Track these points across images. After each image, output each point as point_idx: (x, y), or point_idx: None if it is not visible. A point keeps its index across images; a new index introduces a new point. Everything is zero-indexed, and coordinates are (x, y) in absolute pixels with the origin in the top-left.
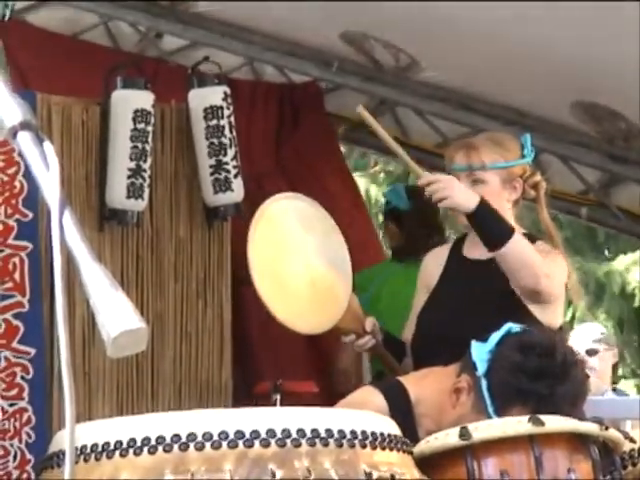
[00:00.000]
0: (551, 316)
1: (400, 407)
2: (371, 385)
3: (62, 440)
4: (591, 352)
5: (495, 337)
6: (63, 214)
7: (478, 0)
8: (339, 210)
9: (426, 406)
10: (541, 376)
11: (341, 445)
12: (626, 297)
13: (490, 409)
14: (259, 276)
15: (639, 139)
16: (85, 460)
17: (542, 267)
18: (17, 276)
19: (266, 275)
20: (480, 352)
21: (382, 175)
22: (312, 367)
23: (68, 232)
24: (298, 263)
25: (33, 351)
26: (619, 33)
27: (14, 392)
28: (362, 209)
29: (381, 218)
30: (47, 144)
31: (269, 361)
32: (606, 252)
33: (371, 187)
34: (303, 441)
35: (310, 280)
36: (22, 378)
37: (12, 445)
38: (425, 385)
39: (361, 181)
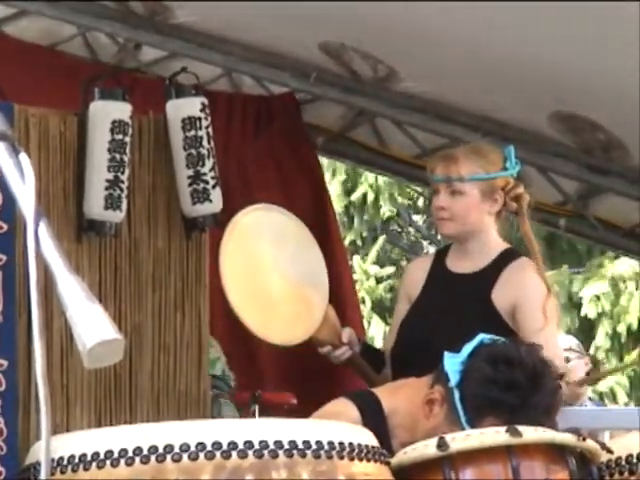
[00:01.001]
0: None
1: (373, 419)
2: (345, 397)
3: (38, 451)
4: (578, 354)
5: (467, 349)
6: (39, 226)
7: None
8: (308, 224)
9: (400, 417)
10: (512, 387)
11: (319, 456)
12: (574, 306)
13: (463, 420)
14: (231, 288)
15: (618, 150)
16: (62, 472)
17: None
18: None
19: (238, 287)
20: (452, 363)
21: None
22: (290, 378)
23: (44, 244)
24: (271, 275)
25: (5, 363)
26: (598, 45)
27: None
28: (334, 225)
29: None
30: (23, 155)
31: (248, 372)
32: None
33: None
34: (281, 452)
35: (284, 292)
36: None
37: None
38: (399, 396)
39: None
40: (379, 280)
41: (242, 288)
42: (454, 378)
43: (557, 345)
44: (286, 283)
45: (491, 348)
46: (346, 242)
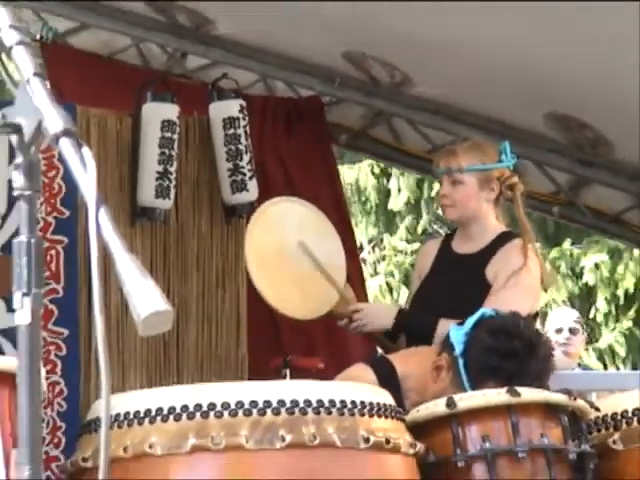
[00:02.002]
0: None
1: (388, 382)
2: (363, 362)
3: (98, 409)
4: (574, 330)
5: (470, 321)
6: (99, 211)
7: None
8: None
9: (411, 381)
10: (510, 355)
11: (343, 414)
12: (576, 275)
13: (466, 384)
14: (255, 269)
15: (605, 146)
16: (119, 427)
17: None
18: (53, 266)
19: (262, 268)
20: (457, 334)
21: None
22: (319, 345)
23: (104, 227)
24: (294, 258)
25: (66, 332)
26: (588, 52)
27: (48, 367)
28: (345, 215)
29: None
30: (85, 149)
31: (280, 339)
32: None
33: (360, 178)
34: (309, 410)
35: (306, 273)
36: (56, 355)
37: (45, 414)
38: (410, 363)
39: (351, 173)
40: (408, 254)
41: (266, 269)
42: (459, 347)
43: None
44: (307, 265)
45: (492, 320)
46: (380, 222)
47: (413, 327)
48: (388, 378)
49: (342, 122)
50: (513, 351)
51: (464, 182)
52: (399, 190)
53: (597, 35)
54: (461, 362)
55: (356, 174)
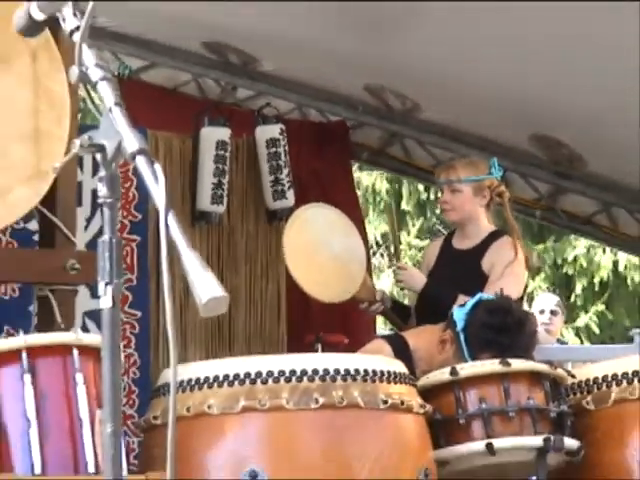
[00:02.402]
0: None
1: (402, 354)
2: (381, 338)
3: (166, 376)
4: (554, 312)
5: (470, 303)
6: (168, 215)
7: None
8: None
9: (421, 353)
10: (503, 331)
11: (365, 380)
12: (557, 267)
13: (467, 355)
14: (292, 261)
15: (578, 161)
16: (182, 391)
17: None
18: (128, 260)
19: (298, 260)
20: (459, 314)
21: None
22: (347, 325)
23: (171, 228)
24: (324, 252)
25: (139, 314)
26: (565, 84)
27: (125, 342)
28: (360, 216)
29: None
30: (156, 165)
31: (313, 320)
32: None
33: (376, 182)
34: (338, 377)
35: (333, 265)
36: (130, 332)
37: (123, 380)
38: (420, 338)
39: (369, 178)
40: (419, 250)
41: (301, 262)
42: (460, 324)
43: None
44: (335, 257)
45: (487, 302)
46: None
47: (436, 295)
48: (402, 351)
49: (363, 142)
50: (505, 327)
51: (461, 190)
52: (410, 194)
53: (573, 70)
54: (462, 337)
55: (373, 179)
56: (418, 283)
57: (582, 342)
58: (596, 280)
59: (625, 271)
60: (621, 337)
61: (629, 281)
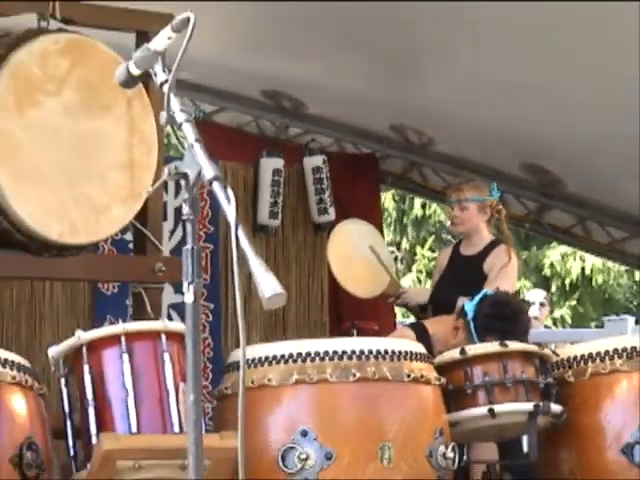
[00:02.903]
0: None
1: (423, 338)
2: (406, 326)
3: (236, 355)
4: (543, 304)
5: (477, 298)
6: (238, 227)
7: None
8: None
9: (438, 338)
10: (503, 319)
11: (393, 359)
12: (538, 270)
13: (475, 339)
14: (334, 263)
15: (559, 184)
16: (248, 367)
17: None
18: (203, 263)
19: (338, 262)
20: (469, 306)
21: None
22: (374, 314)
23: (240, 237)
24: (359, 257)
25: (212, 305)
26: (551, 123)
27: (201, 329)
28: (381, 229)
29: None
30: (228, 189)
31: (350, 310)
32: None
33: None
34: (371, 357)
35: (366, 268)
36: (206, 321)
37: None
38: (437, 326)
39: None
40: (430, 260)
41: (341, 265)
42: (470, 315)
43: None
44: (367, 263)
45: (491, 297)
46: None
47: (441, 302)
48: (422, 336)
49: (389, 170)
50: (505, 317)
51: (468, 208)
52: (411, 209)
53: (556, 113)
54: (472, 325)
55: (383, 199)
56: (422, 296)
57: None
58: (567, 281)
59: (591, 274)
60: (588, 325)
61: (594, 282)
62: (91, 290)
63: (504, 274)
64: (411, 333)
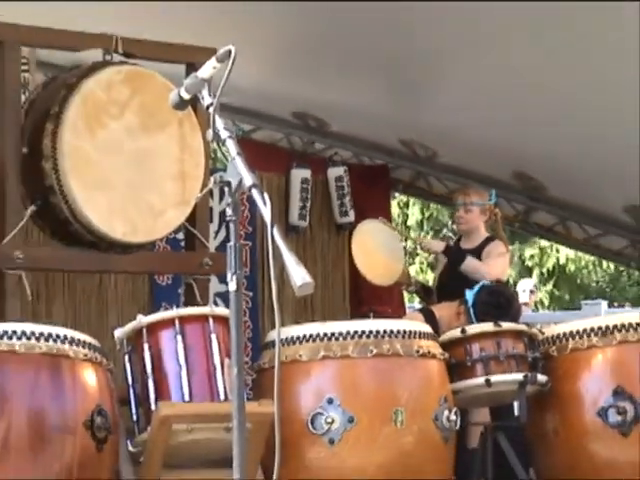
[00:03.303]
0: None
1: (430, 320)
2: (416, 310)
3: (272, 335)
4: (532, 291)
5: (476, 287)
6: (273, 227)
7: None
8: None
9: (443, 321)
10: (499, 307)
11: (404, 337)
12: (522, 261)
13: (474, 323)
14: (356, 257)
15: (542, 190)
16: (282, 345)
17: (482, 268)
18: (243, 258)
19: (360, 256)
20: (470, 294)
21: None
22: (387, 299)
23: (276, 235)
24: (377, 251)
25: (251, 294)
26: (538, 135)
27: (242, 312)
28: None
29: None
30: (265, 194)
31: (367, 297)
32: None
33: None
34: (386, 336)
35: (383, 261)
36: (245, 306)
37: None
38: (442, 310)
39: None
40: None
41: (362, 257)
42: (470, 302)
43: (493, 270)
44: (384, 257)
45: (488, 287)
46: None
47: (445, 286)
48: (430, 318)
49: (399, 178)
50: (500, 305)
51: (472, 211)
52: (412, 214)
53: (541, 130)
54: (472, 310)
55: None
56: (438, 246)
57: (538, 311)
58: (545, 270)
59: (565, 264)
60: (563, 307)
61: (567, 270)
62: (149, 281)
63: (499, 259)
64: (420, 316)
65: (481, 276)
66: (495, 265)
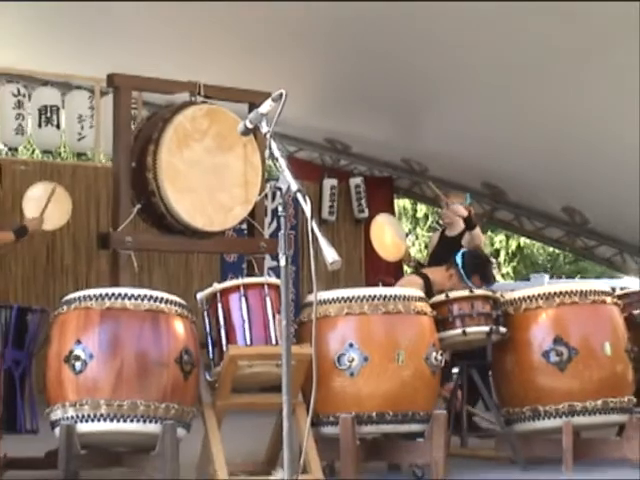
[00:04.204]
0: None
1: (426, 282)
2: (413, 274)
3: (309, 298)
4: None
5: (460, 253)
6: (312, 219)
7: None
8: None
9: (436, 282)
10: (482, 263)
11: (404, 300)
12: (492, 244)
13: (465, 279)
14: (374, 240)
15: (503, 194)
16: (316, 305)
17: (480, 237)
18: (289, 243)
19: (376, 240)
20: (457, 258)
21: None
22: (391, 271)
23: (313, 226)
24: (388, 236)
25: (294, 268)
26: (501, 157)
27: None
28: None
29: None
30: (306, 197)
31: (377, 270)
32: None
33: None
34: (392, 299)
35: (392, 243)
36: (290, 277)
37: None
38: (436, 273)
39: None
40: (424, 237)
41: (378, 241)
42: (460, 263)
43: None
44: (393, 238)
45: (470, 251)
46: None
47: (436, 264)
48: (425, 281)
49: (400, 186)
50: (482, 261)
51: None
52: (420, 209)
53: (503, 153)
54: (462, 270)
55: (401, 202)
56: (463, 211)
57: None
58: (510, 251)
59: (523, 247)
60: (522, 279)
61: (525, 252)
62: (220, 259)
63: (479, 240)
64: (419, 279)
65: (476, 244)
66: (478, 235)
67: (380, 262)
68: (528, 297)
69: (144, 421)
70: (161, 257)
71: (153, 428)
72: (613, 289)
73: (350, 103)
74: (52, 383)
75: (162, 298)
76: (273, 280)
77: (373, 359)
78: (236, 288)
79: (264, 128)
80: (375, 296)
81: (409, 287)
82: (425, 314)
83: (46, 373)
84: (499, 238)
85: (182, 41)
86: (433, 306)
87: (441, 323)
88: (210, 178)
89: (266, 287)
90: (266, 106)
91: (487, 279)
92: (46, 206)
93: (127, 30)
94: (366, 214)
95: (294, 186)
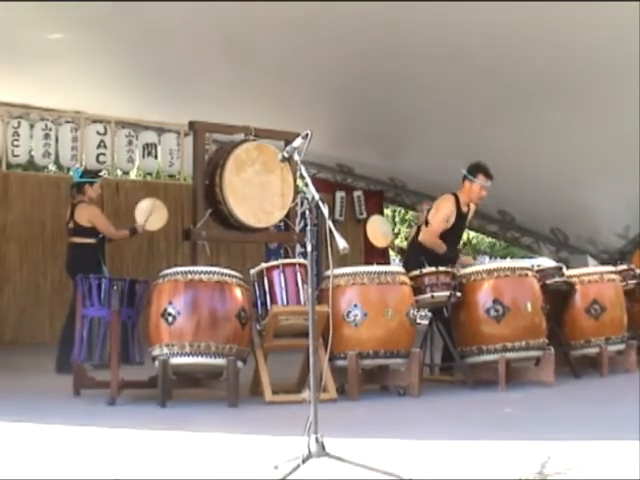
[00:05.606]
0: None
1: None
2: (448, 194)
3: (327, 273)
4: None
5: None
6: (329, 219)
7: None
8: None
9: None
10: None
11: (392, 274)
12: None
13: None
14: (368, 232)
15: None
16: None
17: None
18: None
19: (370, 232)
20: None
21: None
22: (381, 255)
23: (330, 224)
24: (380, 231)
25: (316, 253)
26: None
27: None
28: None
29: None
30: (325, 203)
31: (371, 254)
32: None
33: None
34: (383, 274)
35: (383, 235)
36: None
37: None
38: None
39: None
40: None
41: (372, 233)
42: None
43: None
44: (383, 232)
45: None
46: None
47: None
48: (455, 199)
49: (388, 197)
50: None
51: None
52: (399, 213)
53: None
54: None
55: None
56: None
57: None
58: (484, 244)
59: (472, 238)
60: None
61: (474, 242)
62: (266, 246)
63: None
64: (452, 197)
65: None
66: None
67: (374, 249)
68: (476, 272)
69: (215, 357)
70: (225, 246)
71: (221, 362)
72: (532, 266)
73: (354, 139)
74: (152, 330)
75: (226, 273)
76: (302, 261)
77: (370, 315)
78: (276, 267)
79: (296, 157)
80: (372, 272)
81: (444, 204)
82: (406, 284)
83: (148, 324)
84: (482, 237)
85: (239, 94)
86: (411, 278)
87: (417, 290)
88: (258, 192)
89: (297, 266)
90: (297, 142)
91: (490, 176)
92: (150, 214)
93: (204, 89)
94: (364, 216)
95: (316, 196)
